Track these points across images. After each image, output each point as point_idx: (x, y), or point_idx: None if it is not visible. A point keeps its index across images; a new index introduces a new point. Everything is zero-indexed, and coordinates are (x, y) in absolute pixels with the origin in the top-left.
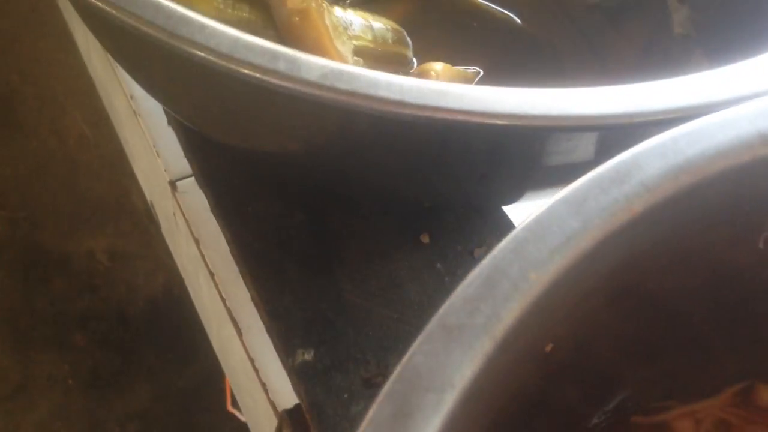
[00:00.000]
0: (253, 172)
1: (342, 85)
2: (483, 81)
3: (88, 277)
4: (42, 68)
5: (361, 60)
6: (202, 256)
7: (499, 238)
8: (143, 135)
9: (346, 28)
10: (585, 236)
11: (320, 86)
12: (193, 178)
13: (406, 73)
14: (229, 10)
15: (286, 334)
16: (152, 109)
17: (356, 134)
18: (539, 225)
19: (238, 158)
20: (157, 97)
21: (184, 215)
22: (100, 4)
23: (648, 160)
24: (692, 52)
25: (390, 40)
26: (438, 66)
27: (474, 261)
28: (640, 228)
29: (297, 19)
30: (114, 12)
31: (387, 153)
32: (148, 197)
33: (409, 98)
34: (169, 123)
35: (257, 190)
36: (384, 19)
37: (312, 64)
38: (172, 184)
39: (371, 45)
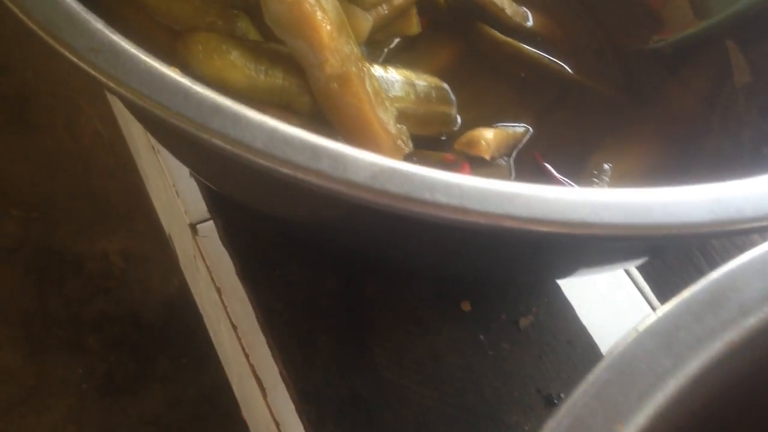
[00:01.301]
0: (283, 233)
1: (394, 188)
2: (533, 138)
3: (102, 279)
4: (56, 66)
5: (404, 128)
6: (224, 307)
7: (546, 308)
8: (162, 172)
9: (387, 91)
10: (678, 375)
11: (370, 189)
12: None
13: (451, 133)
14: (262, 77)
15: (318, 417)
16: None
17: (404, 231)
18: (625, 364)
19: (266, 218)
20: (184, 163)
21: (205, 261)
22: (123, 91)
23: (747, 279)
24: (755, 100)
25: (433, 99)
26: (488, 134)
27: (519, 332)
28: (739, 357)
29: (336, 85)
30: (139, 101)
31: (436, 246)
32: (166, 229)
33: (470, 204)
34: (191, 175)
35: (286, 251)
36: (426, 76)
37: (359, 162)
38: (193, 227)
39: (414, 106)
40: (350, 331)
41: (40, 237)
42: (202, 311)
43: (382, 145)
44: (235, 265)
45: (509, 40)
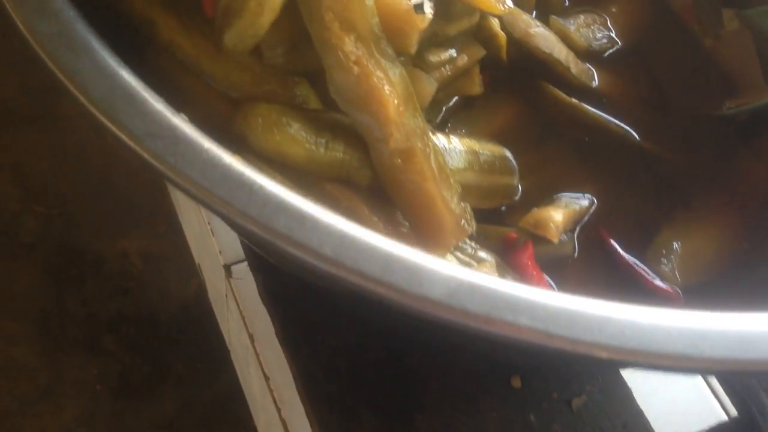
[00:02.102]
0: (328, 299)
1: (474, 308)
2: (597, 208)
3: (120, 279)
4: None
5: (468, 206)
6: (257, 354)
7: (601, 387)
8: (197, 207)
9: (450, 162)
10: None
11: (447, 307)
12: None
13: (511, 204)
14: (322, 151)
15: None
16: None
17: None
18: None
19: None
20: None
21: (238, 304)
22: (182, 182)
23: None
24: None
25: (497, 170)
26: (557, 216)
27: (572, 413)
28: None
29: (399, 160)
30: (199, 195)
31: (500, 348)
32: (196, 259)
33: (557, 329)
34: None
35: (328, 315)
36: (490, 145)
37: (436, 276)
38: (227, 268)
39: (477, 179)
40: (395, 407)
41: (61, 234)
42: (229, 346)
43: (445, 224)
44: (274, 325)
45: (573, 101)
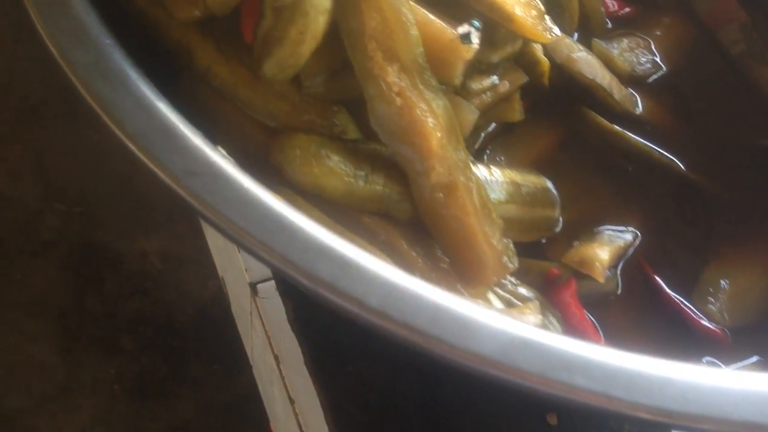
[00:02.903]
0: (359, 329)
1: (527, 366)
2: (640, 243)
3: (139, 278)
4: None
5: (510, 243)
6: (282, 376)
7: (640, 427)
8: None
9: (491, 194)
10: None
11: (498, 364)
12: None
13: (551, 236)
14: (361, 184)
15: None
16: None
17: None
18: None
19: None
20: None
21: (263, 324)
22: (220, 222)
23: None
24: None
25: (538, 203)
26: (603, 255)
27: None
28: None
29: (441, 195)
30: (237, 236)
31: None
32: (220, 272)
33: (615, 391)
34: None
35: (359, 345)
36: (531, 177)
37: (486, 330)
38: (253, 286)
39: (518, 212)
40: None
41: (81, 232)
42: (251, 361)
43: (486, 261)
44: (304, 354)
45: (616, 128)
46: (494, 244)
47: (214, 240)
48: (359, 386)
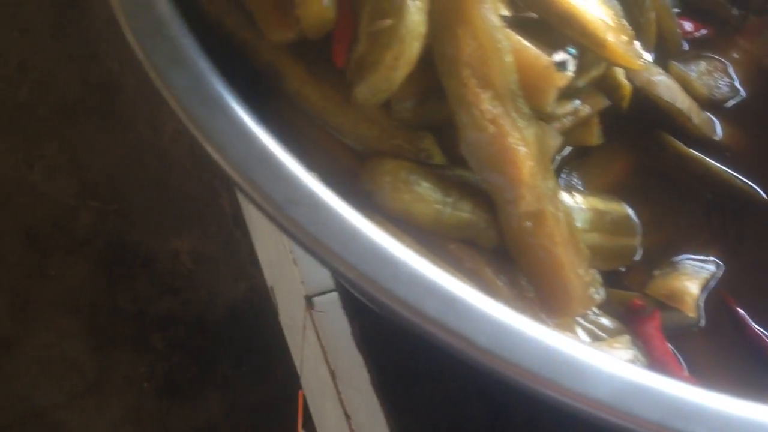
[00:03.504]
0: (424, 346)
1: (643, 413)
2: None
3: (170, 278)
4: None
5: (596, 273)
6: (338, 392)
7: None
8: (279, 235)
9: (577, 224)
10: None
11: (611, 409)
12: (334, 294)
13: (630, 265)
14: (449, 211)
15: None
16: None
17: None
18: None
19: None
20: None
21: (319, 338)
22: (324, 254)
23: None
24: None
25: (620, 231)
26: (693, 288)
27: None
28: None
29: (529, 223)
30: (341, 268)
31: None
32: (268, 281)
33: None
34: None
35: (427, 367)
36: (613, 204)
37: (599, 373)
38: (309, 299)
39: (600, 240)
40: None
41: (115, 230)
42: (299, 372)
43: (573, 292)
44: (370, 374)
45: (695, 153)
46: (581, 275)
47: (264, 249)
48: (427, 409)
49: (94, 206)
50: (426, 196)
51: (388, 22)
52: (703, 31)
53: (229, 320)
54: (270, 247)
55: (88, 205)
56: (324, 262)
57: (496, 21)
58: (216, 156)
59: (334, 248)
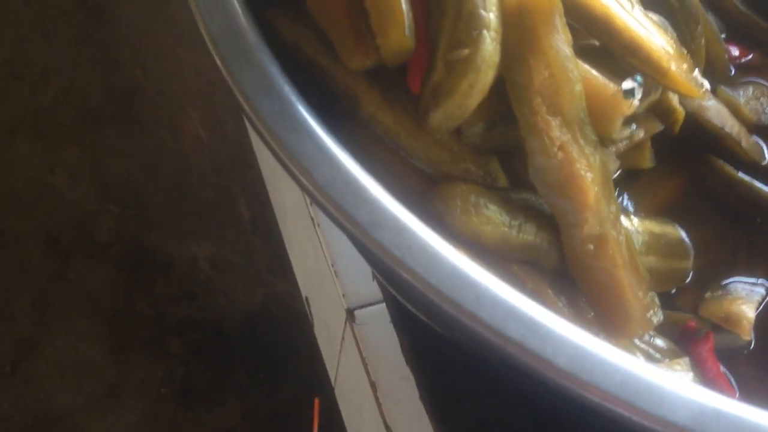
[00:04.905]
0: (474, 362)
1: None
2: None
3: (189, 283)
4: (165, 65)
5: (655, 296)
6: (378, 404)
7: None
8: (318, 247)
9: (638, 251)
10: None
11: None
12: (377, 307)
13: (683, 286)
14: (515, 233)
15: None
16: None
17: None
18: None
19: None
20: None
21: (360, 350)
22: (409, 277)
23: None
24: None
25: (674, 254)
26: (749, 312)
27: None
28: None
29: (592, 247)
30: (425, 291)
31: None
32: (303, 291)
33: None
34: (374, 280)
35: (476, 381)
36: (668, 228)
37: (677, 397)
38: (350, 312)
39: (656, 263)
40: None
41: (134, 235)
42: (334, 384)
43: (632, 314)
44: (419, 388)
45: (744, 177)
46: (641, 298)
47: (300, 260)
48: (476, 424)
49: (114, 211)
50: (494, 219)
51: (465, 51)
52: (750, 57)
53: (247, 327)
54: (308, 258)
55: (109, 210)
56: (409, 284)
57: (568, 51)
58: (303, 179)
59: (420, 271)
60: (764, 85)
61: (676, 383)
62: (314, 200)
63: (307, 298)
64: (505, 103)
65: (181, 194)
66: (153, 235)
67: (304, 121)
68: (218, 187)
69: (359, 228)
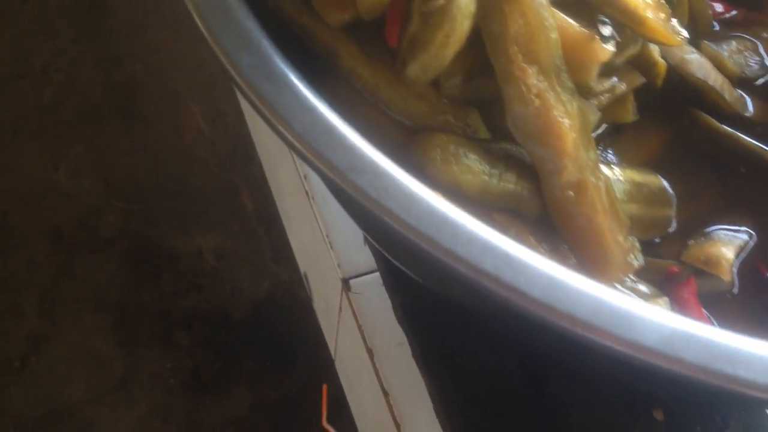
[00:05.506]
0: (464, 319)
1: (690, 357)
2: (756, 243)
3: (195, 275)
4: (164, 60)
5: (635, 241)
6: (375, 369)
7: (744, 422)
8: (314, 221)
9: (617, 197)
10: None
11: (660, 355)
12: (372, 276)
13: (665, 236)
14: (495, 182)
15: None
16: (330, 198)
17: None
18: None
19: (451, 302)
20: (385, 250)
21: (356, 319)
22: (387, 218)
23: None
24: None
25: (656, 202)
26: (729, 253)
27: None
28: None
29: (571, 193)
30: (402, 230)
31: (653, 377)
32: (302, 268)
33: None
34: (365, 244)
35: (466, 337)
36: (650, 177)
37: (648, 322)
38: (345, 282)
39: (638, 211)
40: None
41: (139, 229)
42: (334, 356)
43: (613, 258)
44: (411, 346)
45: (727, 129)
46: (621, 242)
47: (298, 237)
48: (467, 378)
49: (118, 206)
50: (474, 168)
51: (440, 2)
52: (734, 12)
53: (253, 317)
54: (305, 234)
55: (113, 205)
56: (388, 226)
57: None
58: (281, 128)
59: (397, 212)
60: (748, 40)
61: (647, 309)
62: (294, 149)
63: (305, 274)
64: (483, 55)
65: (185, 188)
66: (157, 228)
67: (283, 74)
68: (221, 180)
69: (338, 173)
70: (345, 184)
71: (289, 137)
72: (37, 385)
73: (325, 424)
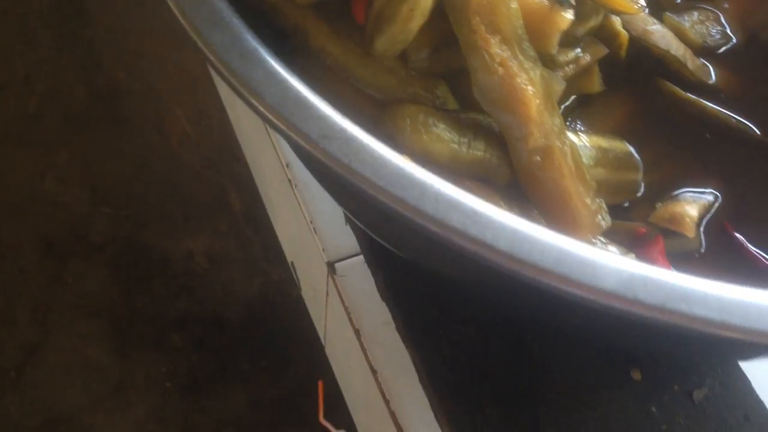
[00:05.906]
0: (446, 289)
1: (647, 298)
2: (721, 204)
3: (186, 278)
4: (147, 64)
5: (603, 202)
6: (363, 349)
7: (720, 379)
8: (298, 207)
9: (584, 162)
10: None
11: (620, 297)
12: (356, 259)
13: (634, 200)
14: (465, 150)
15: None
16: (313, 183)
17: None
18: None
19: (430, 274)
20: (361, 223)
21: (343, 301)
22: (357, 181)
23: None
24: None
25: (623, 166)
26: (692, 211)
27: (694, 406)
28: None
29: (538, 158)
30: (373, 192)
31: (625, 330)
32: (289, 257)
33: (732, 319)
34: (347, 223)
35: (447, 308)
36: (616, 142)
37: (607, 268)
38: (331, 265)
39: (605, 175)
40: (518, 398)
41: (129, 235)
42: (323, 341)
43: (581, 220)
44: (395, 320)
45: (691, 97)
46: (588, 204)
47: (284, 226)
48: (450, 348)
49: (107, 212)
50: (443, 137)
51: None
52: None
53: (246, 316)
54: (290, 222)
55: (101, 212)
56: (359, 190)
57: None
58: (254, 101)
59: (367, 175)
60: (709, 10)
61: (606, 256)
62: (267, 121)
63: (292, 263)
64: (448, 27)
65: (172, 191)
66: (147, 233)
67: (255, 50)
68: (208, 181)
69: (309, 140)
70: (317, 151)
71: (262, 109)
72: (33, 394)
73: (322, 420)
